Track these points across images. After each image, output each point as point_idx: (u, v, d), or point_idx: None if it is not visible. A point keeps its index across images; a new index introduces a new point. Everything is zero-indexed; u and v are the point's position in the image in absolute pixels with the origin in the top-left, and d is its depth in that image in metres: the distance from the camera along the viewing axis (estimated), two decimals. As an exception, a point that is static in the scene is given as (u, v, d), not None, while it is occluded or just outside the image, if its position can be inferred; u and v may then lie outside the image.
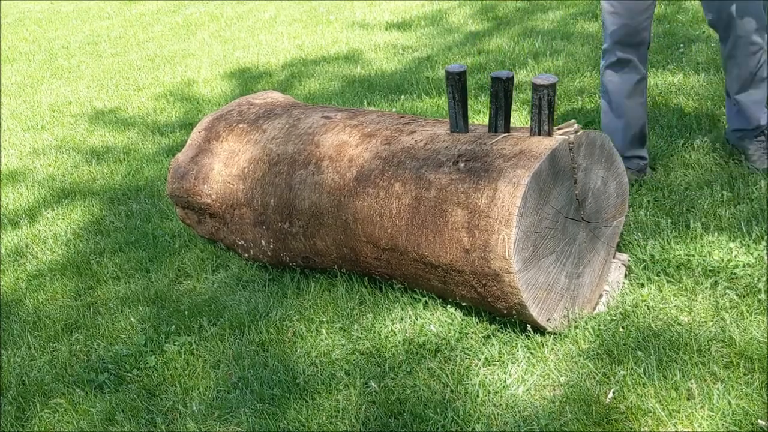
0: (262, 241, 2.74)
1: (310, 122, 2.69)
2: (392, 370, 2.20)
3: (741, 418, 1.81)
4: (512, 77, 2.17)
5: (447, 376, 2.13)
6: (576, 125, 2.16)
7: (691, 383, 1.94)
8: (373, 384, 2.14)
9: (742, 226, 2.53)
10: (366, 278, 2.59)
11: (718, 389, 1.90)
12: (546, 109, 2.11)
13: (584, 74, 4.24)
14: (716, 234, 2.51)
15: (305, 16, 7.54)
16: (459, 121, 2.32)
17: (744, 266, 2.33)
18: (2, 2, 11.95)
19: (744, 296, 2.23)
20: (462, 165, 2.18)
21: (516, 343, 2.20)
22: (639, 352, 2.06)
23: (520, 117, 3.85)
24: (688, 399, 1.91)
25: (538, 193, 2.05)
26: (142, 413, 2.23)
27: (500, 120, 2.24)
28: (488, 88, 4.24)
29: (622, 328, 2.18)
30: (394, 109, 4.28)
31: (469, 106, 4.03)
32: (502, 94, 2.19)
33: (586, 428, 1.88)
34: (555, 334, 2.20)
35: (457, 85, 2.27)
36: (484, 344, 2.23)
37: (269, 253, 2.76)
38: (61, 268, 3.20)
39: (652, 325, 2.16)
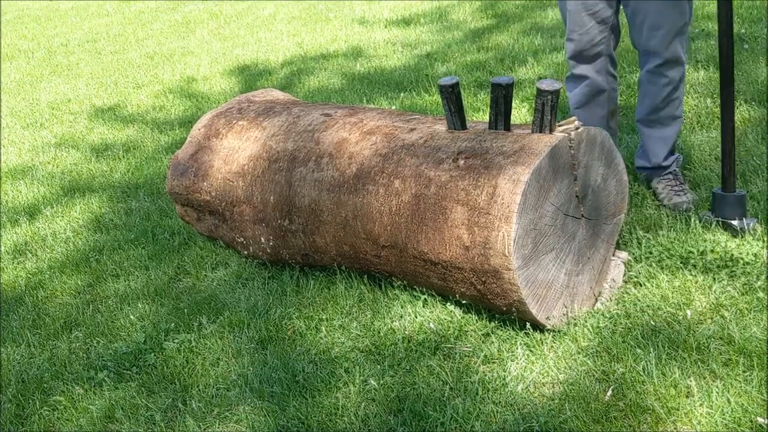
0: (262, 239, 2.74)
1: (309, 119, 2.69)
2: (391, 368, 2.19)
3: (740, 415, 1.81)
4: (512, 83, 2.16)
5: (446, 373, 2.13)
6: (576, 122, 2.16)
7: (690, 381, 1.94)
8: (372, 381, 2.14)
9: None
10: (365, 276, 2.59)
11: (717, 387, 1.90)
12: (548, 114, 2.11)
13: (584, 72, 4.23)
14: (716, 232, 2.51)
15: (304, 14, 7.54)
16: (458, 128, 2.32)
17: (743, 264, 2.33)
18: (2, 0, 11.93)
19: (743, 294, 2.23)
20: (462, 162, 2.18)
21: (515, 341, 2.20)
22: (638, 350, 2.06)
23: (519, 115, 3.84)
24: (687, 397, 1.91)
25: (538, 190, 2.05)
26: (142, 411, 2.23)
27: (500, 125, 2.24)
28: (488, 86, 4.24)
29: (622, 325, 2.18)
30: (393, 107, 4.27)
31: (468, 104, 4.04)
32: (502, 100, 2.19)
33: (585, 426, 1.88)
34: (554, 331, 2.20)
35: (451, 97, 2.26)
36: (483, 342, 2.23)
37: (269, 250, 2.76)
38: (61, 266, 3.20)
39: (652, 323, 2.16)
